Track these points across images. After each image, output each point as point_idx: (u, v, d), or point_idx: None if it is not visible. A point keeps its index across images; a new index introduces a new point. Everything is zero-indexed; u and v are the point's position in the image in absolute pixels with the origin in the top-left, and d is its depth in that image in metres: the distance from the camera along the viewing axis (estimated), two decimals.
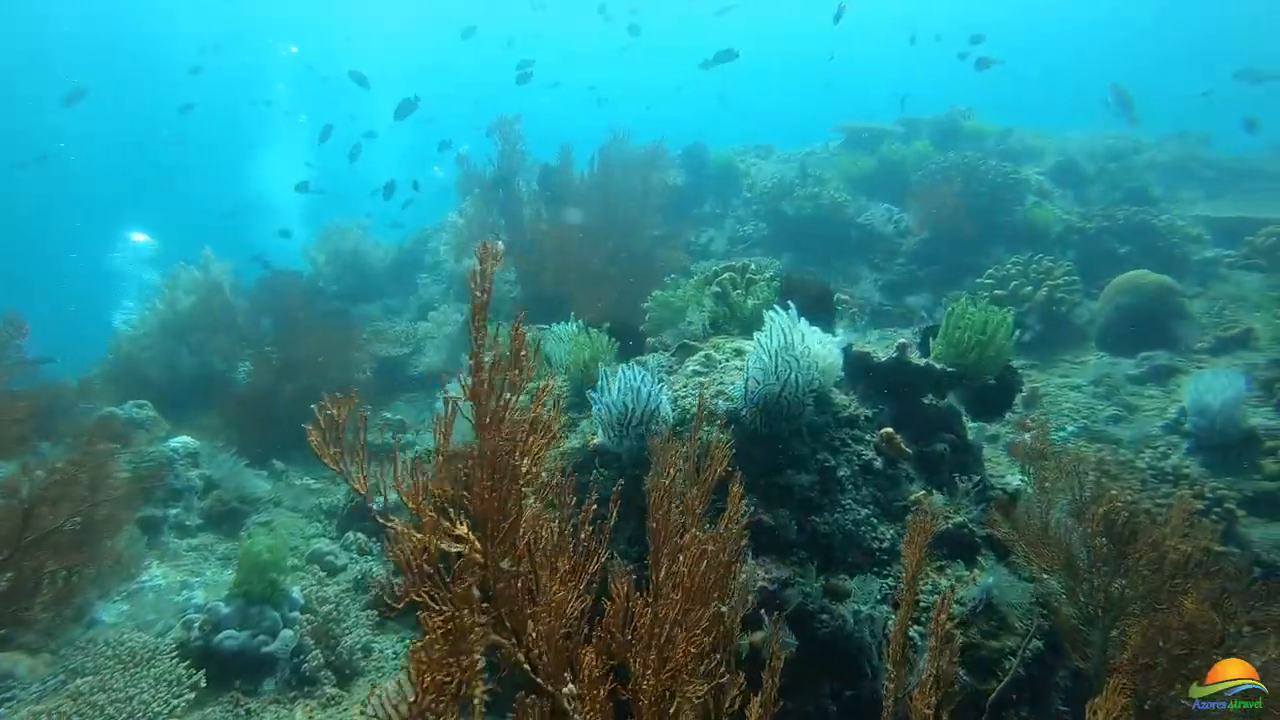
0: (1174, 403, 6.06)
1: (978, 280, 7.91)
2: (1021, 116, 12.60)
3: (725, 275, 5.24)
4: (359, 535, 5.90)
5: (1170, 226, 8.91)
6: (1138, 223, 8.78)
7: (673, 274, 9.71)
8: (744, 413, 3.76)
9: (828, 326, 4.73)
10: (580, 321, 5.00)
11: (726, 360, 4.39)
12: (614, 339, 4.66)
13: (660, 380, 4.30)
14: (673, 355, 4.76)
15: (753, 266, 5.32)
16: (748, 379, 3.72)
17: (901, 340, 4.17)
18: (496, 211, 8.69)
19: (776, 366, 3.59)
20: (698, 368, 4.39)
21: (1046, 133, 11.99)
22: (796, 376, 3.57)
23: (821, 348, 3.94)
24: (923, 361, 4.16)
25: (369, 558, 5.66)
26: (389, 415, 8.30)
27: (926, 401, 4.35)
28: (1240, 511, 5.04)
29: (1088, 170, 10.50)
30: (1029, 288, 7.41)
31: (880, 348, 4.37)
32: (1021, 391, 5.01)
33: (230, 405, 7.61)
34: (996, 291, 7.56)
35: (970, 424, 4.89)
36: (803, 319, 4.06)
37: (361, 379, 9.01)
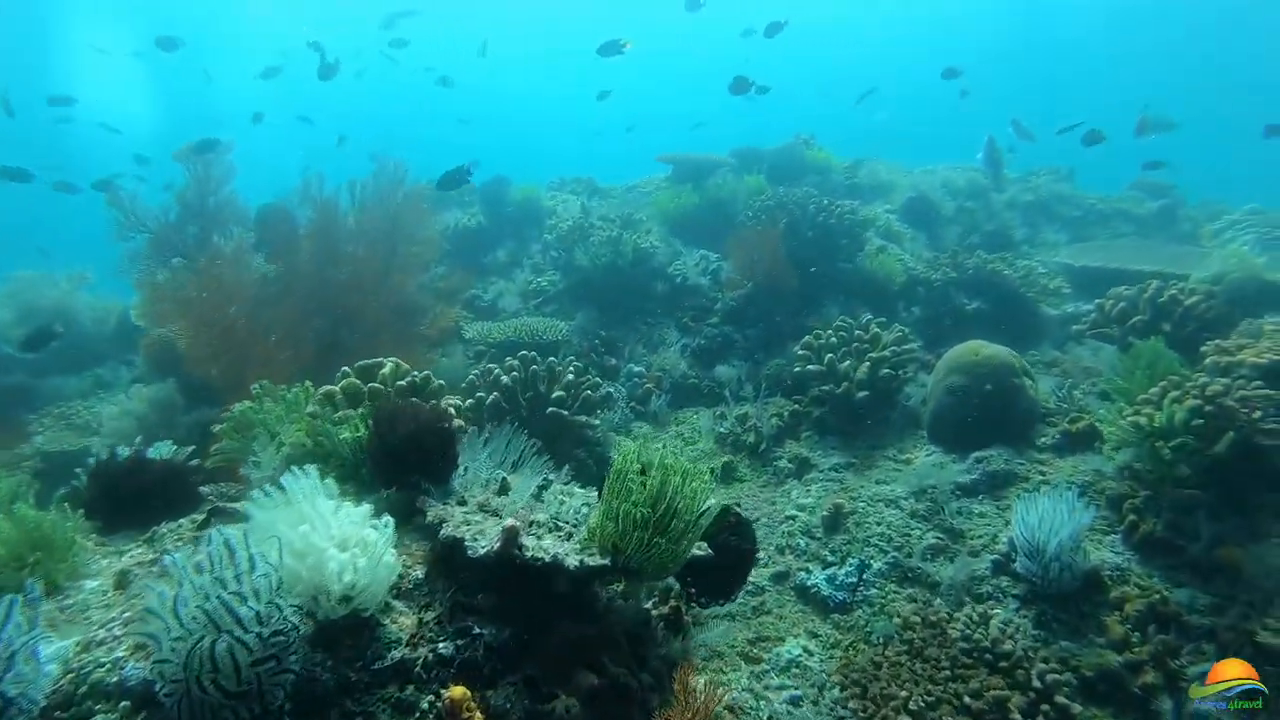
0: (1009, 524, 4.78)
1: (795, 350, 6.59)
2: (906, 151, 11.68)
3: (345, 381, 3.63)
4: None
5: (1027, 277, 7.90)
6: (989, 273, 7.71)
7: (444, 345, 8.15)
8: (160, 689, 2.13)
9: (433, 480, 3.16)
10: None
11: None
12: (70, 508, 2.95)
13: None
14: (199, 527, 3.09)
15: (387, 369, 3.73)
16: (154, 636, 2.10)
17: (511, 521, 2.63)
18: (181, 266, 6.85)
19: (183, 624, 1.98)
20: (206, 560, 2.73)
21: (905, 165, 11.07)
22: (210, 647, 1.96)
23: (344, 553, 2.37)
24: (548, 554, 2.63)
25: None
26: None
27: (575, 614, 2.83)
28: (1077, 706, 3.72)
29: (945, 209, 9.53)
30: (848, 361, 6.11)
31: (493, 528, 2.83)
32: (757, 563, 3.56)
33: None
34: (810, 366, 6.27)
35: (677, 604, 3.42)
36: (322, 496, 2.49)
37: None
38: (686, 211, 8.66)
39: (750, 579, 4.74)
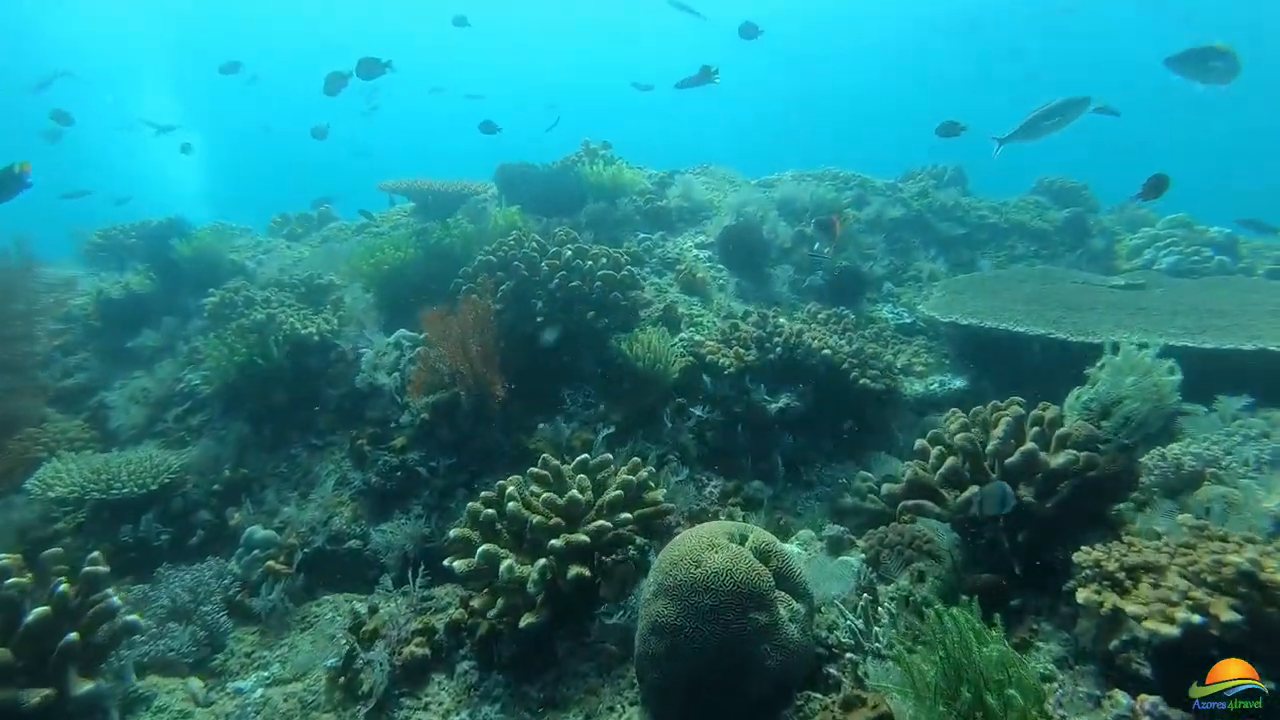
0: None
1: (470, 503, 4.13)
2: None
3: None
4: None
5: (861, 352, 5.47)
6: (805, 352, 5.27)
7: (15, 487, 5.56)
8: None
9: None
10: None
11: None
12: None
13: None
14: None
15: None
16: None
17: None
18: None
19: None
20: None
21: (742, 175, 8.58)
22: None
23: None
24: None
25: None
26: None
27: None
28: None
29: (777, 237, 7.05)
30: (508, 561, 3.64)
31: None
32: None
33: None
34: (459, 563, 3.83)
35: None
36: None
37: None
38: (396, 269, 6.06)
39: None
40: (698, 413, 5.16)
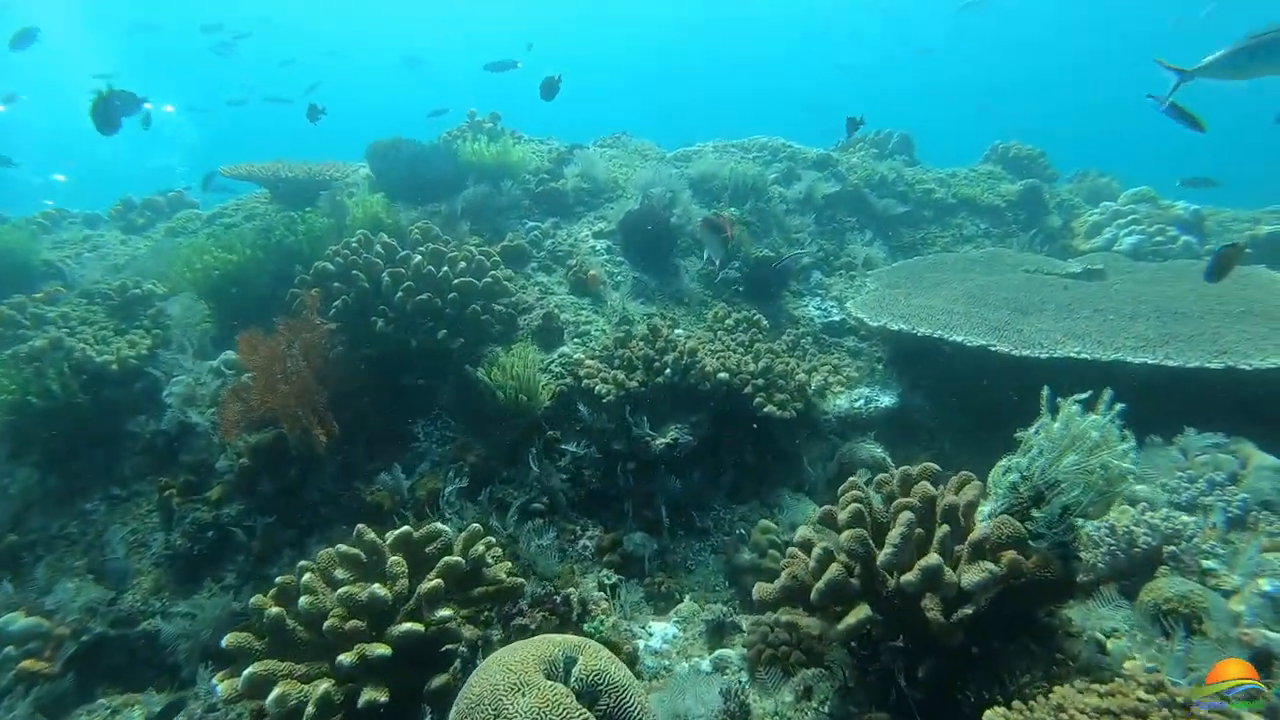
0: None
1: (254, 597, 3.25)
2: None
3: None
4: None
5: (773, 369, 4.64)
6: (698, 377, 4.42)
7: None
8: None
9: None
10: None
11: None
12: None
13: None
14: None
15: None
16: None
17: None
18: None
19: None
20: None
21: (657, 148, 7.60)
22: None
23: None
24: None
25: None
26: None
27: None
28: None
29: (689, 222, 6.13)
30: (272, 666, 2.82)
31: None
32: None
33: None
34: (222, 685, 2.96)
35: None
36: None
37: None
38: (236, 276, 5.05)
39: None
40: (572, 449, 4.32)
